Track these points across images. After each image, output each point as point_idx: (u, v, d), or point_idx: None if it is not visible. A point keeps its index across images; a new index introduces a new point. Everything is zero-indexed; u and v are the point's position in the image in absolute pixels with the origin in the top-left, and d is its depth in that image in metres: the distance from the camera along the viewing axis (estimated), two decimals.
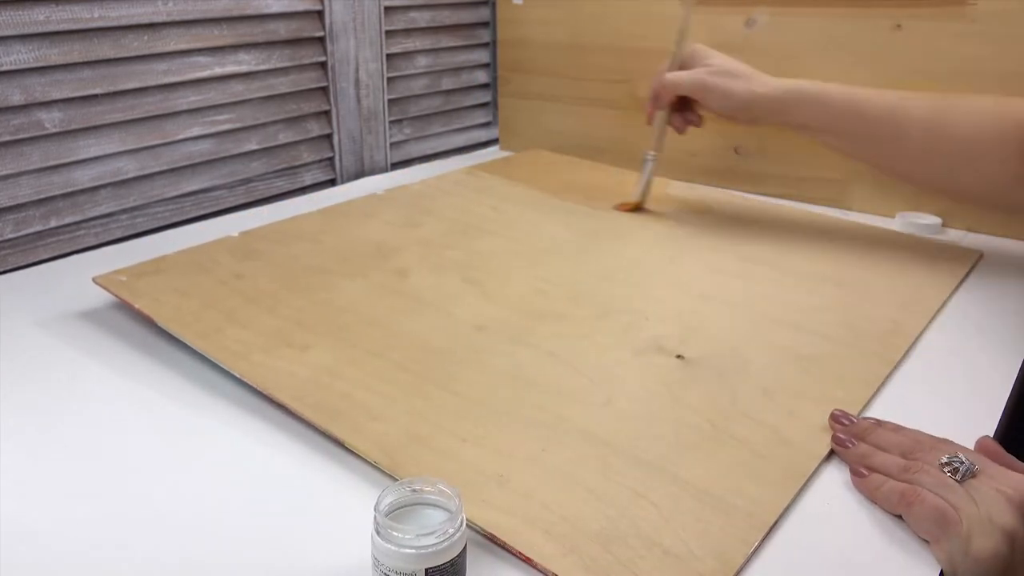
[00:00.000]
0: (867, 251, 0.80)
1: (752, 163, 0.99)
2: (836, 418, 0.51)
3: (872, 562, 0.41)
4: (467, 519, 0.39)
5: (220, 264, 0.70)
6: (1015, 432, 0.56)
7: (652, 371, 0.57)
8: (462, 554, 0.38)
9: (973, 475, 0.43)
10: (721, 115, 0.80)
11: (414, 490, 0.40)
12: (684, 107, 0.84)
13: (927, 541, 0.42)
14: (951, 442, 0.46)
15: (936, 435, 0.47)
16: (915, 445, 0.46)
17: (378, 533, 0.37)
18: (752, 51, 0.94)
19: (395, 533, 0.36)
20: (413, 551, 0.36)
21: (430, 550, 0.36)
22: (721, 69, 0.79)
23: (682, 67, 0.82)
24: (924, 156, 0.71)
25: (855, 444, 0.48)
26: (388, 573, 0.37)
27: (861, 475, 0.46)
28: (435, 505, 0.40)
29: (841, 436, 0.49)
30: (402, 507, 0.39)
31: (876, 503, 0.45)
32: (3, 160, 0.74)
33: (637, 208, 0.87)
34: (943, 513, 0.41)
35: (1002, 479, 0.43)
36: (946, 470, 0.43)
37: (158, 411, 0.53)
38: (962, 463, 0.43)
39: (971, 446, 0.47)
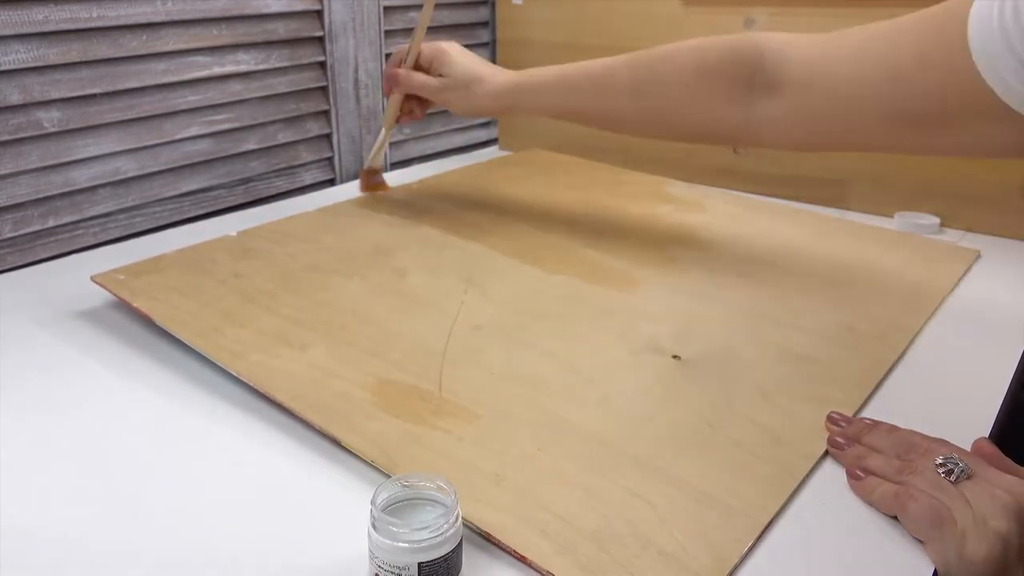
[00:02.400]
0: (865, 251, 0.80)
1: (751, 163, 0.99)
2: (832, 419, 0.51)
3: (866, 563, 0.41)
4: (463, 517, 0.39)
5: (219, 263, 0.70)
6: (1011, 434, 0.56)
7: (649, 371, 0.57)
8: (456, 550, 0.38)
9: (968, 477, 0.43)
10: None
11: (410, 485, 0.40)
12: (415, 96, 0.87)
13: (921, 542, 0.42)
14: (947, 443, 0.46)
15: (932, 436, 0.47)
16: (910, 446, 0.46)
17: (374, 527, 0.37)
18: None
19: (390, 527, 0.37)
20: (406, 545, 0.37)
21: (423, 544, 0.37)
22: (450, 84, 0.81)
23: (420, 63, 0.84)
24: (638, 114, 0.74)
25: (850, 446, 0.48)
26: (382, 566, 0.37)
27: (857, 477, 0.46)
28: (433, 501, 0.40)
29: (837, 439, 0.49)
30: (401, 502, 0.40)
31: (871, 505, 0.45)
32: (2, 160, 0.74)
33: (371, 182, 0.93)
34: (938, 514, 0.41)
35: (997, 481, 0.43)
36: (941, 471, 0.44)
37: (156, 410, 0.53)
38: (957, 464, 0.43)
39: (967, 447, 0.47)
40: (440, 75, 0.82)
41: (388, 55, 1.07)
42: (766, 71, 0.64)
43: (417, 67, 0.84)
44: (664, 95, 0.70)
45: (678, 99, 0.70)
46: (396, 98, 0.87)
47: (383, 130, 0.91)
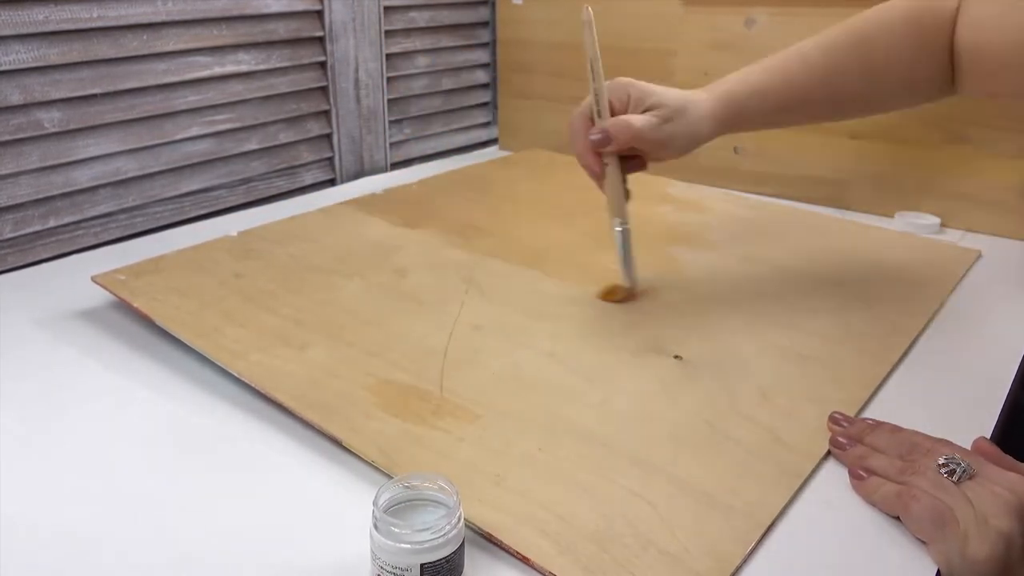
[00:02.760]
0: (866, 251, 0.80)
1: (751, 163, 0.99)
2: (834, 419, 0.51)
3: (869, 563, 0.41)
4: (464, 518, 0.39)
5: (219, 264, 0.70)
6: (1012, 433, 0.56)
7: (650, 371, 0.57)
8: (459, 551, 0.38)
9: (970, 477, 0.43)
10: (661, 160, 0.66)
11: (412, 486, 0.40)
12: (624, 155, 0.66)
13: (924, 542, 0.42)
14: (949, 443, 0.46)
15: (934, 436, 0.47)
16: (912, 447, 0.46)
17: (376, 528, 0.37)
18: (751, 51, 0.94)
19: (392, 528, 0.37)
20: (409, 546, 0.36)
21: (426, 546, 0.37)
22: (669, 114, 0.63)
23: (614, 107, 0.64)
24: (867, 100, 0.70)
25: (852, 446, 0.48)
26: (384, 567, 0.37)
27: (860, 478, 0.46)
28: (436, 502, 0.40)
29: (839, 439, 0.49)
30: (403, 503, 0.40)
31: (874, 505, 0.45)
32: (2, 160, 0.74)
33: (629, 297, 0.67)
34: (940, 514, 0.41)
35: (999, 481, 0.43)
36: (943, 471, 0.43)
37: (156, 410, 0.53)
38: (959, 464, 0.43)
39: (968, 447, 0.47)
40: (646, 109, 0.63)
41: (388, 55, 1.07)
42: (963, 32, 0.64)
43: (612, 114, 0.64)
44: (894, 71, 0.67)
45: (905, 72, 0.67)
46: (614, 169, 0.64)
47: (618, 221, 0.65)
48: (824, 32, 0.68)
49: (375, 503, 0.38)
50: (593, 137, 0.63)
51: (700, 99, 0.65)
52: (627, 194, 0.66)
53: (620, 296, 0.67)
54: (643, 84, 0.64)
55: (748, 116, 0.67)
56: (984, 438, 0.47)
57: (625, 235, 0.66)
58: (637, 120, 0.62)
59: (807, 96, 0.67)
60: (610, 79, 0.64)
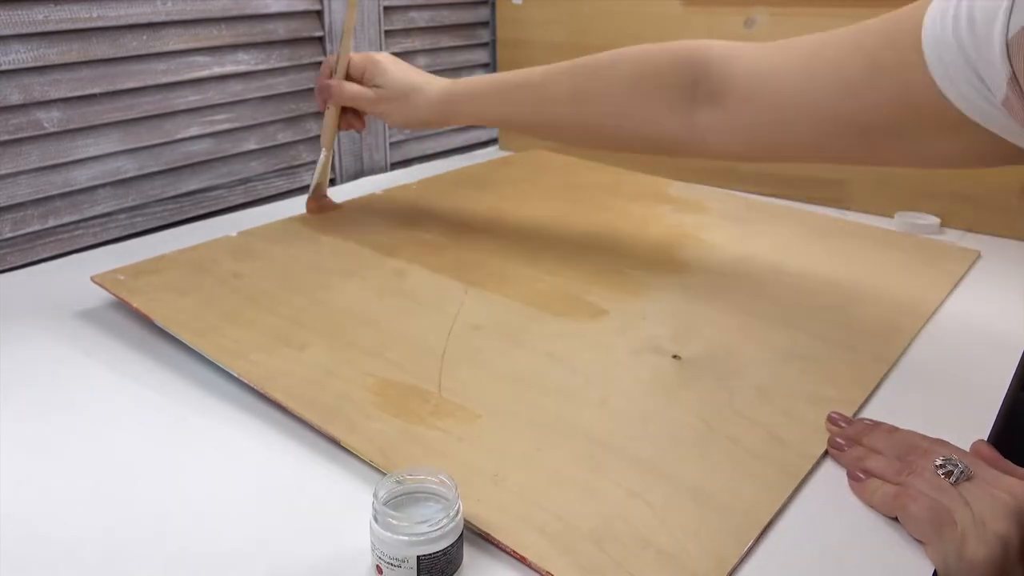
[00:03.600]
0: (865, 251, 0.80)
1: (752, 163, 0.99)
2: (833, 420, 0.51)
3: (866, 563, 0.41)
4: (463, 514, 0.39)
5: (218, 263, 0.70)
6: (1010, 435, 0.56)
7: (648, 371, 0.57)
8: (456, 546, 0.38)
9: (968, 478, 0.43)
10: None
11: (412, 479, 0.40)
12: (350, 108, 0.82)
13: (921, 543, 0.42)
14: (947, 444, 0.46)
15: (932, 437, 0.47)
16: (910, 447, 0.46)
17: (375, 520, 0.38)
18: None
19: (390, 520, 0.37)
20: (406, 538, 0.37)
21: (422, 538, 0.37)
22: (386, 94, 0.77)
23: (352, 73, 0.79)
24: (577, 121, 0.71)
25: (851, 447, 0.48)
26: (383, 558, 0.38)
27: (858, 479, 0.46)
28: (436, 496, 0.40)
29: (837, 440, 0.49)
30: (404, 495, 0.40)
31: (872, 506, 0.45)
32: (2, 159, 0.74)
33: (320, 204, 0.84)
34: (938, 515, 0.41)
35: (997, 483, 0.43)
36: (941, 472, 0.43)
37: (156, 410, 0.53)
38: (957, 466, 0.43)
39: (967, 448, 0.47)
40: (375, 85, 0.78)
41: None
42: (711, 79, 0.62)
43: (348, 78, 0.80)
44: (604, 102, 0.68)
45: (618, 105, 0.67)
46: (332, 112, 0.81)
47: (323, 150, 0.83)
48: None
49: (375, 495, 0.38)
50: (320, 85, 0.80)
51: (428, 87, 0.77)
52: (338, 129, 0.83)
53: (312, 208, 0.84)
54: (385, 65, 0.78)
55: (463, 114, 0.77)
56: (983, 441, 0.47)
57: (325, 160, 0.83)
58: (351, 88, 0.78)
59: (521, 109, 0.73)
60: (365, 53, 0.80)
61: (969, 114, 0.50)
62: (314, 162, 1.03)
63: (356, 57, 0.80)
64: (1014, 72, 0.44)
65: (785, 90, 0.58)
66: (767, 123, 0.60)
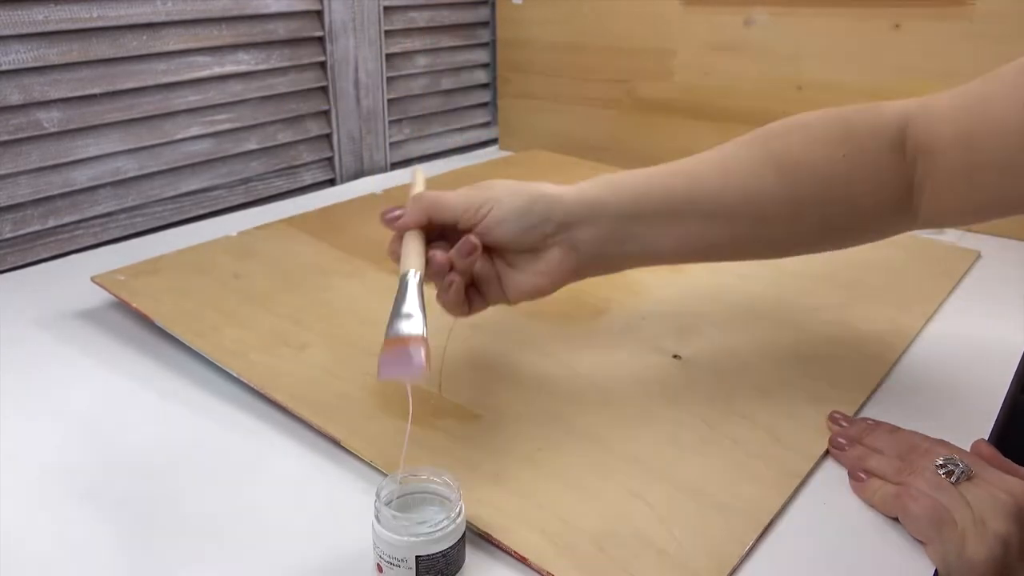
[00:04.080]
0: (865, 251, 0.79)
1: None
2: (834, 419, 0.51)
3: (866, 563, 0.41)
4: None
5: (218, 264, 0.70)
6: (1011, 435, 0.56)
7: (649, 371, 0.57)
8: (457, 547, 0.38)
9: (968, 478, 0.43)
10: None
11: (417, 479, 0.40)
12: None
13: (922, 543, 0.42)
14: (947, 444, 0.46)
15: (932, 437, 0.47)
16: (911, 447, 0.46)
17: (377, 519, 0.38)
18: (751, 51, 0.94)
19: (391, 519, 0.37)
20: (406, 538, 0.37)
21: (422, 539, 0.37)
22: (494, 204, 0.51)
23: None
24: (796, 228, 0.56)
25: (851, 447, 0.48)
26: (383, 556, 0.38)
27: (859, 479, 0.46)
28: (442, 498, 0.40)
29: (838, 440, 0.49)
30: (409, 495, 0.40)
31: (872, 506, 0.45)
32: (2, 160, 0.74)
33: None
34: (938, 515, 0.41)
35: (997, 482, 0.43)
36: (941, 472, 0.43)
37: (156, 410, 0.53)
38: (957, 466, 0.43)
39: (967, 448, 0.47)
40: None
41: (388, 55, 1.07)
42: (918, 131, 0.51)
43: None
44: (815, 168, 0.52)
45: (834, 169, 0.52)
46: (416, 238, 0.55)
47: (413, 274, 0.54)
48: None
49: (377, 495, 0.39)
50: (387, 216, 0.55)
51: (561, 193, 0.52)
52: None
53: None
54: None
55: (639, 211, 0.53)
56: (983, 440, 0.47)
57: (411, 281, 0.53)
58: (432, 194, 0.53)
59: (717, 197, 0.54)
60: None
61: None
62: (314, 162, 1.03)
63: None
64: None
65: (1006, 121, 0.47)
66: (989, 162, 0.48)
